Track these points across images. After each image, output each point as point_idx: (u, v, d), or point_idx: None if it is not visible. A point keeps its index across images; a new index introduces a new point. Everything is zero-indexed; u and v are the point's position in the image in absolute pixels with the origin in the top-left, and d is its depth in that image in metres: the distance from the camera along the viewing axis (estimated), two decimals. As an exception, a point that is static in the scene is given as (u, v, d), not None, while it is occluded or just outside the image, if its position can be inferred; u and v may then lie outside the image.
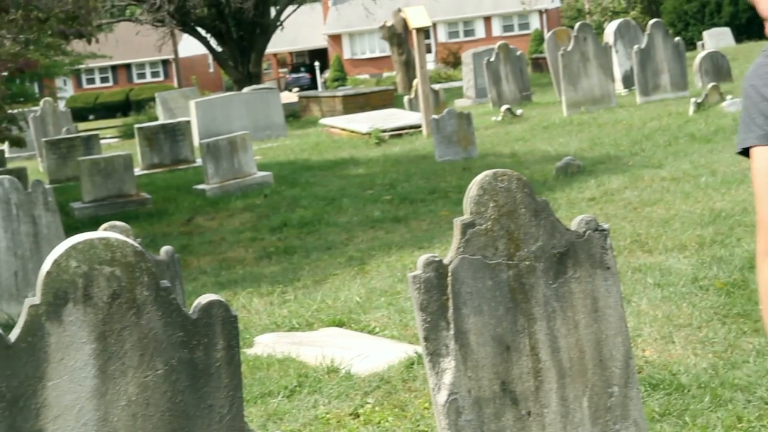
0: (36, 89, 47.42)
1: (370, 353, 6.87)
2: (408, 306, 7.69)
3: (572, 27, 23.14)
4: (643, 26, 25.00)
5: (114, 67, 65.69)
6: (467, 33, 61.70)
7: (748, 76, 2.58)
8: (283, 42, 60.61)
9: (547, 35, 27.95)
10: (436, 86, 29.02)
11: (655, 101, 20.46)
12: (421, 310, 3.89)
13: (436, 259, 3.91)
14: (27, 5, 14.48)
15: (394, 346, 7.03)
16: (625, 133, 16.59)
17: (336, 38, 63.49)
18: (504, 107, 22.09)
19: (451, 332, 3.90)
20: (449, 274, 3.90)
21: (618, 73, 24.01)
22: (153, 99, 35.77)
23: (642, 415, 4.05)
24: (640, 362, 6.04)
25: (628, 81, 24.16)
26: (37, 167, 23.62)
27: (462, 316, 3.90)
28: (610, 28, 25.32)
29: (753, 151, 2.56)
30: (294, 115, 31.44)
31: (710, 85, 18.86)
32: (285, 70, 67.05)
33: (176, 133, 20.99)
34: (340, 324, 7.89)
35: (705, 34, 35.15)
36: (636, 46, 21.21)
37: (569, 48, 20.60)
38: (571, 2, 59.12)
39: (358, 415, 5.82)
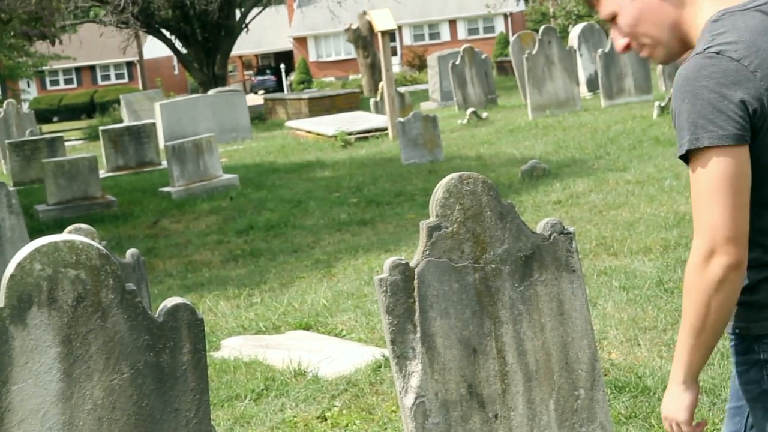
0: (-1, 91, 47.13)
1: (337, 356, 6.87)
2: (375, 309, 7.69)
3: (537, 30, 23.24)
4: (608, 30, 25.13)
5: (78, 69, 65.35)
6: (432, 36, 61.78)
7: (692, 77, 2.56)
8: (248, 44, 60.46)
9: (512, 39, 28.04)
10: (402, 89, 29.04)
11: (619, 105, 20.57)
12: (387, 313, 3.89)
13: (403, 262, 3.91)
14: (-11, 6, 14.38)
15: (361, 349, 7.03)
16: (590, 137, 16.66)
17: (301, 41, 63.39)
18: (469, 110, 22.14)
19: (418, 335, 3.90)
20: (415, 277, 3.90)
21: (582, 77, 24.12)
22: (118, 101, 35.60)
23: (608, 417, 4.07)
24: (606, 365, 6.06)
25: (592, 84, 24.27)
26: (1, 169, 23.46)
27: (428, 319, 3.91)
28: (575, 32, 25.44)
29: (708, 152, 2.54)
30: (259, 117, 31.39)
31: (674, 88, 18.97)
32: (250, 72, 66.88)
33: (141, 135, 20.91)
34: (307, 327, 7.88)
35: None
36: (600, 50, 21.33)
37: (534, 51, 20.67)
38: (535, 6, 59.25)
39: (325, 419, 5.81)
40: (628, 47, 2.83)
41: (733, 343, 2.80)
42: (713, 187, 2.55)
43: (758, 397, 2.76)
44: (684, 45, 2.78)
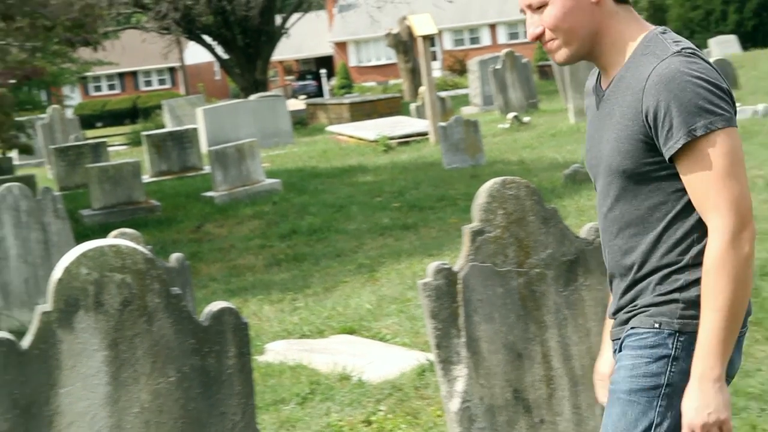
0: (43, 97, 47.54)
1: (381, 361, 6.87)
2: (419, 313, 7.67)
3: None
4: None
5: (121, 75, 65.76)
6: (473, 40, 61.68)
7: (684, 70, 2.66)
8: (288, 49, 60.66)
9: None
10: (443, 94, 29.01)
11: (662, 108, 20.41)
12: (432, 318, 3.89)
13: (446, 266, 3.90)
14: (33, 13, 14.51)
15: (406, 353, 7.02)
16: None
17: (342, 46, 63.51)
18: (511, 115, 22.08)
19: (463, 340, 3.89)
20: (459, 281, 3.90)
21: (625, 80, 23.95)
22: (160, 106, 35.78)
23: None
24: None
25: (635, 88, 24.11)
26: (46, 174, 23.63)
27: (473, 324, 3.90)
28: (617, 35, 25.26)
29: (721, 133, 2.64)
30: (301, 122, 31.43)
31: (718, 91, 18.80)
32: (291, 77, 67.04)
33: (184, 140, 20.99)
34: (351, 331, 7.88)
35: (711, 41, 35.04)
36: (643, 53, 21.17)
37: (576, 56, 20.57)
38: (577, 9, 59.04)
39: (370, 423, 5.81)
40: (538, 37, 2.86)
41: (640, 336, 2.77)
42: (730, 165, 2.65)
43: (649, 390, 2.74)
44: (590, 52, 2.85)
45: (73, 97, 62.19)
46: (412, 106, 26.04)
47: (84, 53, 31.14)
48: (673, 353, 2.73)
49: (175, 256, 6.95)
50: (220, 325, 3.63)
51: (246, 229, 13.69)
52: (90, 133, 40.66)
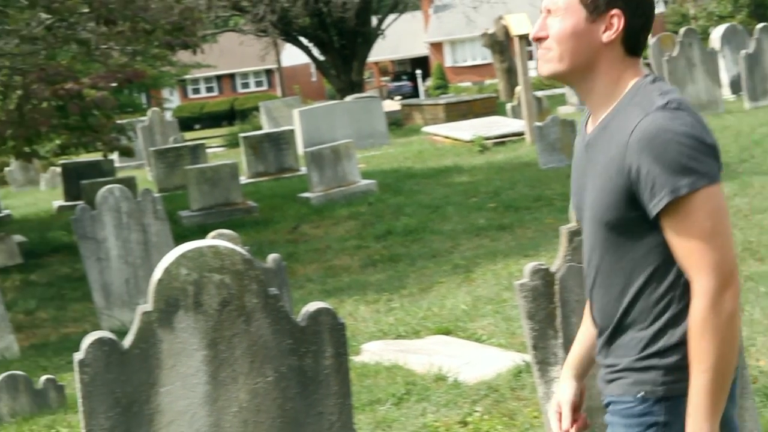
0: (143, 99, 48.27)
1: (477, 361, 6.85)
2: (515, 314, 7.64)
3: (677, 32, 22.84)
4: (750, 31, 24.57)
5: (219, 77, 66.51)
6: (570, 39, 61.17)
7: (667, 127, 2.61)
8: (384, 50, 60.73)
9: (651, 41, 27.58)
10: (539, 93, 28.80)
11: (764, 107, 20.05)
12: (528, 319, 3.86)
13: (543, 267, 3.87)
14: (134, 17, 14.74)
15: (502, 354, 6.99)
16: (734, 140, 16.28)
17: (437, 46, 63.44)
18: (608, 113, 21.84)
19: (560, 341, 3.86)
20: (557, 282, 3.86)
21: (725, 79, 23.57)
22: (257, 108, 36.10)
23: (758, 426, 3.97)
24: (754, 372, 5.91)
25: (735, 86, 23.71)
26: (146, 176, 24.00)
27: (570, 325, 3.86)
28: (716, 34, 24.87)
29: (705, 191, 2.59)
30: (396, 123, 31.46)
31: (821, 89, 18.42)
32: (387, 78, 67.16)
33: (280, 141, 21.14)
34: (447, 332, 7.88)
35: (815, 37, 34.29)
36: (743, 51, 20.82)
37: (674, 54, 20.31)
38: (675, 7, 58.28)
39: (466, 424, 5.79)
40: (538, 40, 2.86)
41: (627, 404, 2.74)
42: (714, 224, 2.62)
43: None
44: (579, 86, 2.85)
45: (172, 99, 63.08)
46: (508, 106, 25.91)
47: (183, 56, 31.54)
48: (662, 419, 2.70)
49: (272, 257, 7.01)
50: (317, 325, 3.64)
51: (342, 229, 13.75)
52: (188, 135, 41.18)
